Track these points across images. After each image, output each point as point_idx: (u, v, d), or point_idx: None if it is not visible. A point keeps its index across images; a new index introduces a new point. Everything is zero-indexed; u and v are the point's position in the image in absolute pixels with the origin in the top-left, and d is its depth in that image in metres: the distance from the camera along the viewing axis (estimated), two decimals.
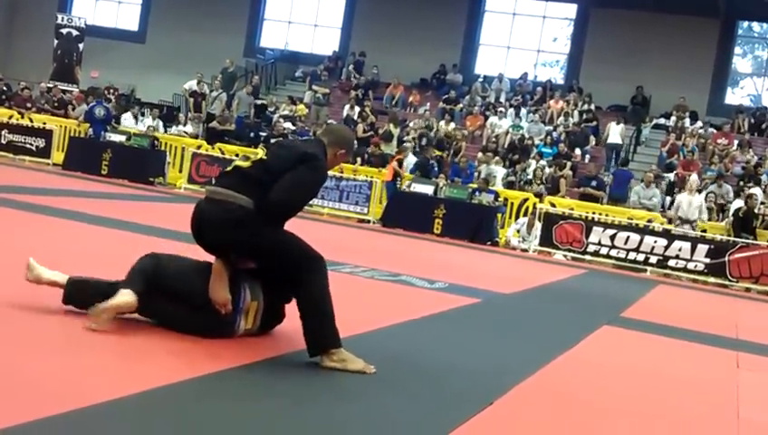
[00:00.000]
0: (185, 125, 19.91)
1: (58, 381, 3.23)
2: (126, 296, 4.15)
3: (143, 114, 21.01)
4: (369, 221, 15.89)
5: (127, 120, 19.79)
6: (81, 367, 3.50)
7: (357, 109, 21.50)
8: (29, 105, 20.09)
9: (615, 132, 20.29)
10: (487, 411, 3.79)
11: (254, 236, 4.19)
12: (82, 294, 4.26)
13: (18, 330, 3.90)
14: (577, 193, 17.12)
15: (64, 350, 3.75)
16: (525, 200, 16.23)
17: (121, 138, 17.48)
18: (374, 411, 3.60)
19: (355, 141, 4.90)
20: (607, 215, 15.43)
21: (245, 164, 4.37)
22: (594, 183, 16.99)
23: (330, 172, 4.80)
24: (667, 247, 14.26)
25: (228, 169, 4.48)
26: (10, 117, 18.89)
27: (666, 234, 14.54)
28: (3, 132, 18.14)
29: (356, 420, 3.44)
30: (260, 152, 4.52)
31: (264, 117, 20.93)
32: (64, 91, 21.44)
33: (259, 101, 21.85)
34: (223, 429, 3.01)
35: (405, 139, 19.20)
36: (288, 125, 19.34)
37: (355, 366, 4.10)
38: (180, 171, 17.58)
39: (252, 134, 18.91)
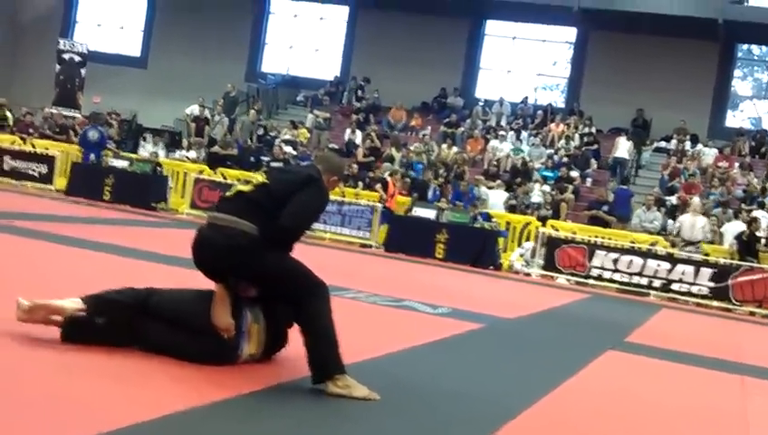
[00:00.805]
0: (187, 150, 19.94)
1: (57, 409, 3.20)
2: (68, 303, 4.18)
3: (144, 139, 21.06)
4: (371, 246, 15.87)
5: (143, 146, 19.98)
6: (79, 394, 3.47)
7: (358, 133, 21.54)
8: (31, 131, 20.11)
9: (623, 148, 20.35)
10: None
11: (257, 261, 4.18)
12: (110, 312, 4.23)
13: (13, 357, 3.88)
14: (585, 216, 17.09)
15: (61, 376, 3.71)
16: (527, 224, 16.21)
17: (124, 163, 17.50)
18: None
19: (346, 169, 4.97)
20: (610, 238, 15.39)
21: (247, 188, 4.36)
22: (606, 208, 16.93)
23: (332, 196, 4.87)
24: (670, 271, 14.21)
25: (229, 193, 4.46)
26: (12, 142, 18.93)
27: (669, 257, 14.49)
28: (5, 158, 18.14)
29: None
30: (260, 176, 4.51)
31: (266, 141, 20.95)
32: (67, 117, 21.48)
33: (260, 126, 21.89)
34: None
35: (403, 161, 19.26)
36: (289, 150, 19.37)
37: (359, 393, 4.07)
38: (182, 196, 17.58)
39: (253, 159, 18.92)
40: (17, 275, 6.30)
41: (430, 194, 17.43)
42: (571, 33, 24.92)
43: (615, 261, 14.53)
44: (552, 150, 21.02)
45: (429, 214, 15.81)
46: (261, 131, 21.58)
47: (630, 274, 14.41)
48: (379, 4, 24.43)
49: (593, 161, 20.81)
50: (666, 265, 14.27)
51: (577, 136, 21.74)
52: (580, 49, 24.57)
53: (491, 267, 14.89)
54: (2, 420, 2.97)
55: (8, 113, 21.07)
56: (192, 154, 19.75)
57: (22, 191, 16.84)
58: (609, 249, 14.76)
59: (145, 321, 4.26)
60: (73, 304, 4.20)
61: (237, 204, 4.30)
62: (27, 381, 3.53)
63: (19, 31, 28.01)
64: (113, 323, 4.20)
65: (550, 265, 14.89)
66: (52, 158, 18.13)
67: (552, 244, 14.99)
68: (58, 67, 22.90)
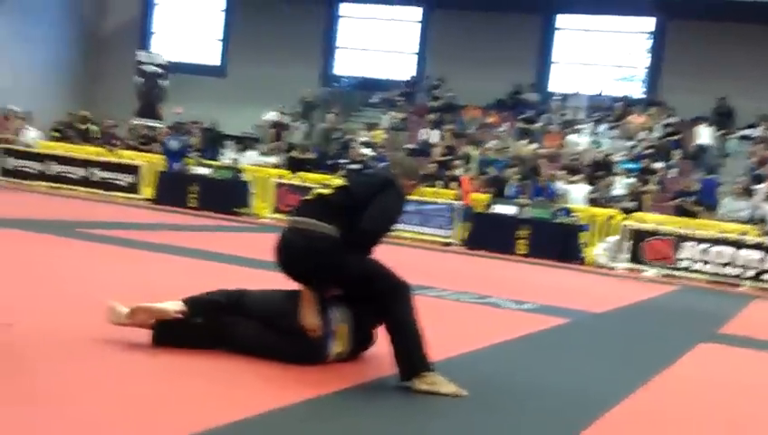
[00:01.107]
0: (267, 156, 20.23)
1: (151, 410, 3.28)
2: (170, 305, 4.25)
3: (225, 147, 21.46)
4: (452, 244, 15.82)
5: (224, 154, 20.41)
6: (174, 395, 3.55)
7: (433, 132, 21.51)
8: (117, 142, 20.70)
9: (705, 135, 19.86)
10: (587, 433, 3.70)
11: (338, 264, 4.22)
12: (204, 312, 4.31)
13: (107, 361, 3.98)
14: (670, 208, 16.72)
15: (154, 378, 3.81)
16: (610, 218, 15.94)
17: (206, 171, 17.89)
18: (467, 432, 3.55)
19: (420, 171, 4.96)
20: (697, 229, 14.99)
21: (327, 191, 4.41)
22: (692, 198, 16.53)
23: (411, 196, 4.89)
24: (762, 260, 13.80)
25: (309, 196, 4.51)
26: (99, 154, 19.50)
27: (760, 247, 14.06)
28: (93, 170, 18.73)
29: None
30: (340, 179, 4.56)
31: (342, 144, 21.10)
32: (151, 128, 22.03)
33: (337, 130, 22.07)
34: None
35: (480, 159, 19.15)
36: (367, 151, 19.46)
37: (447, 389, 4.07)
38: (264, 201, 17.85)
39: (330, 162, 19.09)
40: (111, 282, 6.49)
41: (509, 190, 17.29)
42: (649, 22, 24.41)
43: (704, 252, 14.17)
44: (633, 142, 20.63)
45: (509, 210, 15.70)
46: (338, 135, 21.75)
47: (720, 264, 14.04)
48: (450, 3, 24.35)
49: (676, 152, 20.33)
50: (757, 255, 13.86)
51: (658, 127, 21.28)
52: (659, 38, 24.05)
53: (575, 262, 14.69)
54: (99, 423, 3.06)
55: (92, 126, 21.76)
56: (271, 159, 20.03)
57: (111, 201, 17.34)
58: (697, 240, 14.40)
59: (236, 321, 4.34)
60: (174, 305, 4.29)
61: (317, 207, 4.35)
62: (121, 384, 3.63)
63: (99, 45, 28.82)
64: (209, 324, 4.29)
65: (636, 258, 14.61)
66: (138, 168, 18.62)
67: (637, 236, 14.71)
68: (139, 79, 23.51)
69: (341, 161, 18.92)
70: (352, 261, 4.23)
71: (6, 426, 2.89)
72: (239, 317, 4.35)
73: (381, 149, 20.17)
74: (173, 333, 4.26)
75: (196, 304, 4.31)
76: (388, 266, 4.28)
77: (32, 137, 20.33)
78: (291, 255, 4.32)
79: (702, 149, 19.84)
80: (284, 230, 4.44)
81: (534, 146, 20.50)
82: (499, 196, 16.56)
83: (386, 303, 4.18)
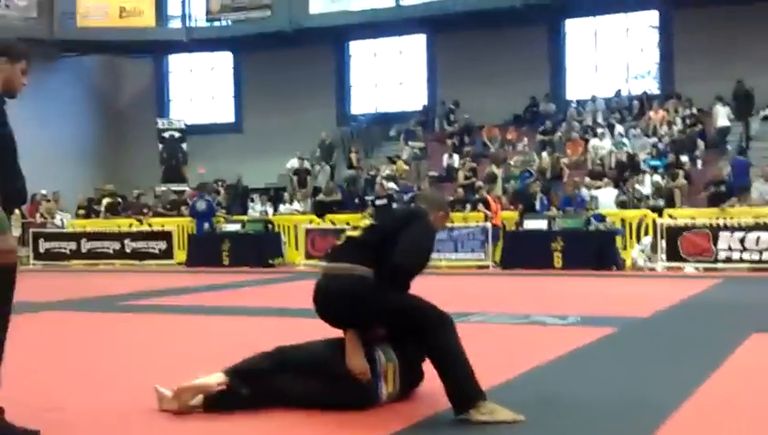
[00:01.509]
0: (291, 203, 20.37)
1: None
2: (212, 379, 4.24)
3: (252, 200, 21.65)
4: (488, 266, 15.78)
5: (252, 207, 20.62)
6: None
7: (455, 157, 21.54)
8: (146, 211, 20.95)
9: (723, 116, 19.72)
10: None
11: (378, 304, 4.23)
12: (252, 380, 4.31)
13: (164, 429, 4.00)
14: (702, 200, 16.57)
15: None
16: (643, 218, 15.82)
17: (236, 226, 18.03)
18: None
19: (447, 201, 4.94)
20: (731, 218, 14.82)
21: (356, 233, 4.43)
22: (723, 187, 16.37)
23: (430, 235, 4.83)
24: None
25: (340, 241, 4.54)
26: (130, 225, 19.74)
27: None
28: (126, 241, 18.93)
29: None
30: (367, 219, 4.58)
31: (367, 181, 21.21)
32: (177, 192, 22.29)
33: (358, 169, 22.24)
34: None
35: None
36: (392, 185, 19.52)
37: (504, 416, 4.04)
38: (297, 249, 17.93)
39: (357, 200, 19.17)
40: (158, 353, 6.54)
41: (538, 205, 17.24)
42: (653, 16, 24.38)
43: (742, 240, 13.99)
44: (656, 138, 20.52)
45: (540, 224, 15.64)
46: (362, 173, 21.90)
47: (761, 250, 13.86)
48: (452, 26, 24.50)
49: (700, 142, 20.19)
50: None
51: (679, 120, 21.17)
52: (666, 30, 24.00)
53: (613, 268, 14.57)
54: None
55: (118, 199, 22.08)
56: (298, 206, 20.17)
57: (145, 270, 17.50)
58: (733, 229, 14.23)
59: (284, 379, 4.34)
60: (215, 378, 4.27)
61: (349, 250, 4.37)
62: None
63: (118, 117, 29.33)
64: (255, 392, 4.30)
65: (674, 255, 14.46)
66: (169, 233, 18.81)
67: (672, 233, 14.57)
68: (160, 145, 23.88)
69: (368, 198, 19.00)
70: (391, 299, 4.23)
71: None
72: (286, 375, 4.35)
73: (405, 181, 20.22)
74: (224, 402, 4.26)
75: (238, 374, 4.29)
76: (426, 300, 4.28)
77: (61, 218, 20.67)
78: (329, 301, 4.33)
79: (723, 130, 19.66)
80: (319, 278, 4.46)
81: (555, 156, 20.45)
82: (529, 211, 16.52)
83: (429, 336, 4.16)
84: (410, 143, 23.07)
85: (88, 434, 3.94)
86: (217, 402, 4.24)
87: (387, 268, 4.18)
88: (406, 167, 21.83)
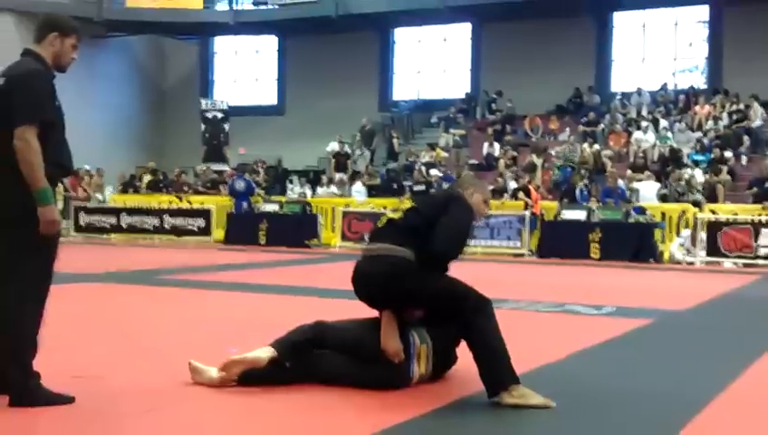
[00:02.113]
0: (329, 186, 20.45)
1: None
2: (262, 353, 4.27)
3: (291, 182, 21.79)
4: (523, 254, 15.73)
5: (291, 189, 20.77)
6: (275, 430, 3.61)
7: (496, 145, 21.46)
8: (186, 188, 21.19)
9: (758, 114, 19.49)
10: None
11: (418, 286, 4.25)
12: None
13: (198, 401, 4.07)
14: (747, 196, 16.33)
15: (248, 415, 3.88)
16: (684, 212, 15.66)
17: (274, 207, 18.18)
18: None
19: (487, 187, 4.90)
20: None
21: (397, 216, 4.47)
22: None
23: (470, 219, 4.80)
24: None
25: (381, 223, 4.58)
26: (170, 202, 19.98)
27: None
28: (165, 217, 19.17)
29: None
30: (408, 203, 4.60)
31: (406, 166, 21.21)
32: (217, 172, 22.51)
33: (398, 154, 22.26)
34: None
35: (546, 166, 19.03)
36: (435, 172, 19.46)
37: (536, 401, 4.05)
38: (333, 231, 18.02)
39: (396, 185, 19.19)
40: (190, 328, 6.63)
41: (578, 195, 17.13)
42: (703, 11, 24.02)
43: None
44: (701, 133, 20.25)
45: (579, 215, 15.55)
46: (401, 159, 21.92)
47: None
48: (499, 15, 24.34)
49: (746, 138, 19.87)
50: None
51: (725, 115, 20.86)
52: (716, 26, 23.63)
53: (651, 261, 14.46)
54: None
55: (160, 176, 22.39)
56: (336, 189, 20.24)
57: (183, 246, 17.71)
58: None
59: (321, 355, 4.39)
60: (266, 352, 4.29)
61: (390, 232, 4.40)
62: (219, 423, 3.73)
63: (163, 98, 29.66)
64: (296, 365, 4.34)
65: (713, 250, 14.30)
66: (208, 211, 19.00)
67: (713, 228, 14.40)
68: (203, 126, 24.08)
69: (406, 184, 19.02)
70: (431, 281, 4.26)
71: None
72: (323, 351, 4.41)
73: (444, 168, 20.19)
74: (260, 376, 4.30)
75: (285, 347, 4.32)
76: (465, 283, 4.30)
77: (103, 193, 20.99)
78: (369, 282, 4.36)
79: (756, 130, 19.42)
80: (360, 259, 4.49)
81: (597, 147, 20.27)
82: (572, 201, 16.44)
83: (469, 319, 4.17)
84: (451, 130, 23.01)
85: (123, 402, 4.02)
86: (253, 377, 4.29)
87: (427, 251, 4.21)
88: (445, 154, 21.79)
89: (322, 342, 4.41)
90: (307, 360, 4.36)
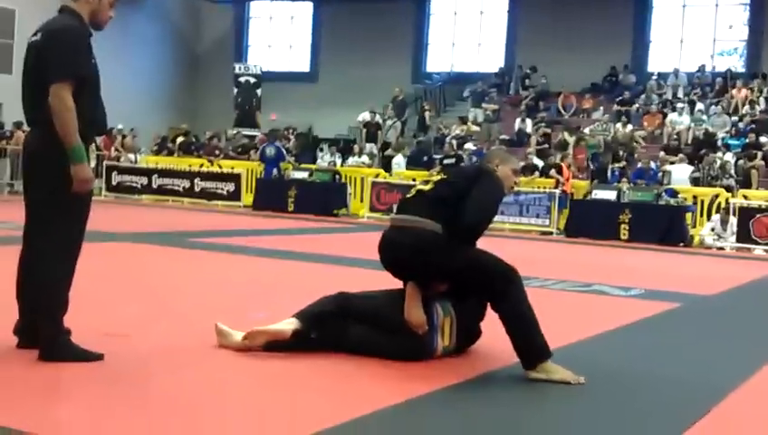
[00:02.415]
0: (360, 156, 20.43)
1: (276, 412, 3.38)
2: (286, 325, 4.27)
3: (321, 150, 21.77)
4: (552, 233, 15.66)
5: (321, 157, 20.79)
6: (294, 396, 3.64)
7: (528, 121, 21.30)
8: (217, 153, 21.26)
9: None
10: (704, 421, 3.63)
11: (446, 258, 4.24)
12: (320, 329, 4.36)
13: (221, 366, 4.09)
14: None
15: (269, 382, 3.89)
16: (716, 196, 15.49)
17: (304, 175, 18.20)
18: (587, 426, 3.53)
19: (517, 161, 4.88)
20: None
21: (428, 187, 4.42)
22: None
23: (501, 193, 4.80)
24: None
25: (410, 194, 4.53)
26: (201, 165, 20.07)
27: None
28: (196, 180, 19.27)
29: (571, 433, 3.39)
30: (437, 175, 4.53)
31: (437, 139, 21.13)
32: (248, 136, 22.54)
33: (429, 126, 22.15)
34: None
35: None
36: (469, 145, 19.34)
37: (563, 375, 4.05)
38: (362, 201, 18.02)
39: (425, 158, 19.12)
40: (217, 291, 6.67)
41: (609, 175, 17.00)
42: None
43: None
44: (736, 117, 19.97)
45: (609, 195, 15.43)
46: (432, 131, 21.82)
47: None
48: None
49: None
50: None
51: (762, 100, 20.54)
52: (757, 8, 23.20)
53: (681, 244, 14.34)
54: (224, 425, 3.17)
55: (192, 138, 22.44)
56: (366, 159, 20.22)
57: (212, 209, 17.81)
58: None
59: (345, 325, 4.40)
60: (290, 325, 4.30)
61: (419, 204, 4.37)
62: (241, 387, 3.75)
63: (197, 61, 29.69)
64: (321, 336, 4.36)
65: (744, 236, 14.15)
66: (238, 176, 19.07)
67: (745, 214, 14.23)
68: (235, 90, 24.10)
69: (436, 157, 18.95)
70: (459, 253, 4.24)
71: (134, 431, 3.02)
72: (347, 322, 4.41)
73: (476, 142, 20.08)
74: (285, 346, 4.30)
75: (309, 319, 4.33)
76: (494, 255, 4.27)
77: (135, 153, 21.11)
78: (397, 253, 4.35)
79: None
80: (388, 229, 4.47)
81: (630, 128, 20.06)
82: (603, 181, 16.31)
83: (499, 290, 4.16)
84: (484, 105, 22.85)
85: (150, 360, 4.06)
86: (277, 346, 4.29)
87: (456, 224, 4.19)
88: (476, 128, 21.66)
89: (346, 312, 4.42)
90: (331, 331, 4.37)
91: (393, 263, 4.41)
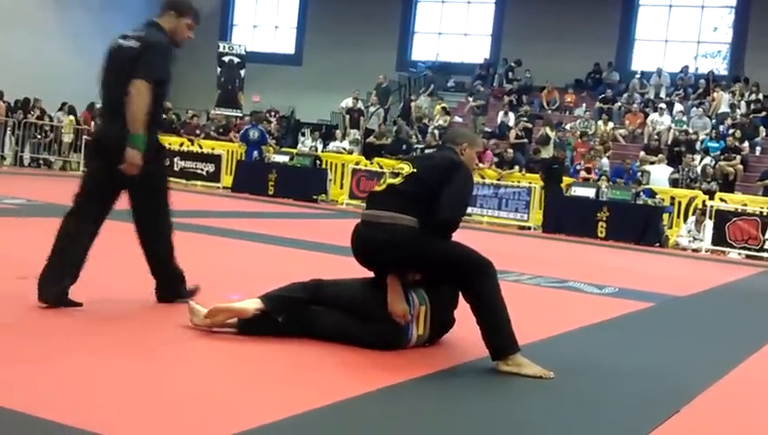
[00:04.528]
0: (341, 142, 20.37)
1: (244, 394, 3.36)
2: (248, 304, 4.28)
3: (303, 134, 21.67)
4: (530, 228, 15.70)
5: (302, 141, 20.67)
6: (260, 381, 3.62)
7: (510, 115, 21.32)
8: (198, 132, 21.11)
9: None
10: (675, 419, 3.65)
11: (422, 252, 4.25)
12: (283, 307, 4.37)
13: (194, 348, 4.08)
14: (757, 187, 16.25)
15: (239, 364, 3.88)
16: (693, 199, 15.59)
17: (285, 158, 18.12)
18: (556, 419, 3.54)
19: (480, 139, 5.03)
20: None
21: (398, 181, 4.38)
22: None
23: (488, 181, 4.92)
24: None
25: (379, 187, 4.47)
26: (181, 144, 19.93)
27: None
28: (175, 160, 19.13)
29: (539, 426, 3.40)
30: (407, 166, 4.48)
31: (419, 129, 21.09)
32: (229, 117, 22.39)
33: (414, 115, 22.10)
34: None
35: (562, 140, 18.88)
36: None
37: (533, 371, 4.07)
38: (341, 188, 17.98)
39: (405, 147, 19.09)
40: (198, 271, 6.62)
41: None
42: None
43: None
44: (717, 121, 20.09)
45: (588, 193, 15.49)
46: (415, 120, 21.78)
47: None
48: None
49: (762, 129, 19.72)
50: None
51: (743, 104, 20.67)
52: (742, 12, 23.33)
53: (656, 244, 14.43)
54: (185, 408, 3.15)
55: (173, 117, 22.21)
56: (347, 145, 20.17)
57: (191, 190, 17.71)
58: None
59: (317, 312, 4.38)
60: (253, 304, 4.30)
61: (392, 198, 4.33)
62: (208, 369, 3.73)
63: None
64: (290, 321, 4.34)
65: (720, 239, 14.26)
66: (219, 157, 18.97)
67: (721, 217, 14.34)
68: (219, 69, 23.89)
69: (418, 146, 18.92)
70: (437, 246, 4.25)
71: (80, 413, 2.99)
72: (319, 308, 4.40)
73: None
74: (258, 326, 4.31)
75: (274, 302, 4.33)
76: (470, 247, 4.29)
77: None
78: (373, 249, 4.34)
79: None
80: (360, 225, 4.42)
81: (612, 125, 20.14)
82: (552, 181, 16.28)
83: (473, 282, 4.17)
84: (470, 100, 22.83)
85: (118, 339, 4.02)
86: (252, 326, 4.30)
87: (432, 220, 4.20)
88: (458, 119, 21.64)
89: (319, 299, 4.40)
90: (299, 317, 4.36)
91: (370, 258, 4.40)
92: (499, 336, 4.12)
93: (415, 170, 4.39)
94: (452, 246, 4.30)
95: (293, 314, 4.34)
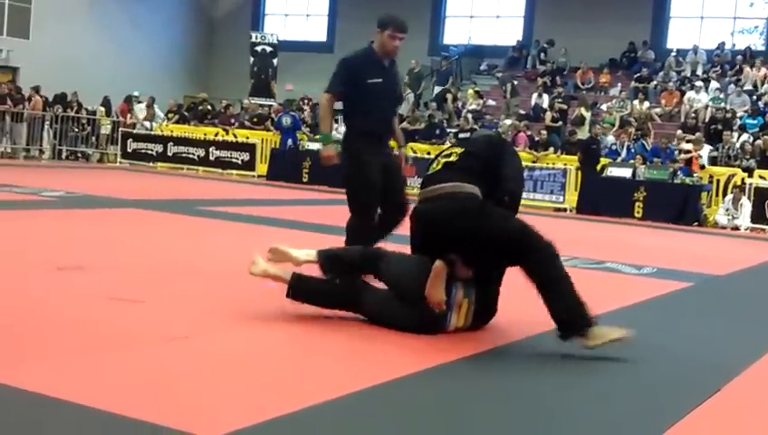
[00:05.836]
0: None
1: (285, 382, 3.39)
2: (303, 254, 4.42)
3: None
4: (565, 209, 15.61)
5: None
6: (307, 366, 3.66)
7: (544, 96, 21.17)
8: (232, 121, 21.25)
9: None
10: (715, 398, 3.63)
11: (488, 223, 4.18)
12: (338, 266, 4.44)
13: (247, 329, 4.14)
14: None
15: (287, 353, 3.93)
16: (732, 176, 15.39)
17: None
18: (597, 399, 3.54)
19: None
20: None
21: (453, 159, 4.40)
22: None
23: (523, 163, 5.05)
24: None
25: (437, 167, 4.45)
26: (216, 134, 20.08)
27: None
28: (210, 149, 19.30)
29: (580, 406, 3.40)
30: (457, 148, 4.50)
31: (452, 113, 21.02)
32: (263, 106, 22.49)
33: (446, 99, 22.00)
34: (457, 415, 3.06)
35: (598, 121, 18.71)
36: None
37: (618, 334, 4.08)
38: None
39: (438, 131, 19.04)
40: (238, 257, 6.69)
41: (624, 153, 16.88)
42: None
43: None
44: (755, 97, 19.79)
45: (625, 173, 15.36)
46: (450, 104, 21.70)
47: None
48: None
49: None
50: None
51: None
52: None
53: (695, 224, 14.28)
54: (239, 387, 3.20)
55: (208, 107, 22.41)
56: None
57: (227, 179, 17.84)
58: None
59: (365, 286, 4.41)
60: (307, 256, 4.43)
61: (450, 173, 4.33)
62: (259, 352, 3.79)
63: (214, 28, 29.60)
64: (344, 286, 4.38)
65: (759, 217, 14.08)
66: (253, 145, 19.08)
67: (760, 195, 14.15)
68: (252, 59, 24.01)
69: (451, 130, 18.87)
70: (505, 216, 4.24)
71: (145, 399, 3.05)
72: (368, 283, 4.42)
73: (490, 117, 19.99)
74: (307, 288, 4.38)
75: (330, 261, 4.39)
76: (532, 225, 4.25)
77: (153, 120, 21.13)
78: (435, 222, 4.27)
79: None
80: (419, 204, 4.40)
81: (647, 105, 19.92)
82: (591, 161, 16.17)
83: (539, 259, 4.12)
84: (503, 86, 22.68)
85: (164, 325, 4.09)
86: (301, 292, 4.37)
87: (498, 194, 4.24)
88: (492, 102, 21.52)
89: (375, 268, 4.41)
90: (354, 288, 4.38)
91: (426, 236, 4.32)
92: (573, 313, 4.07)
93: (469, 150, 4.44)
94: (516, 220, 4.28)
95: (348, 283, 4.38)
